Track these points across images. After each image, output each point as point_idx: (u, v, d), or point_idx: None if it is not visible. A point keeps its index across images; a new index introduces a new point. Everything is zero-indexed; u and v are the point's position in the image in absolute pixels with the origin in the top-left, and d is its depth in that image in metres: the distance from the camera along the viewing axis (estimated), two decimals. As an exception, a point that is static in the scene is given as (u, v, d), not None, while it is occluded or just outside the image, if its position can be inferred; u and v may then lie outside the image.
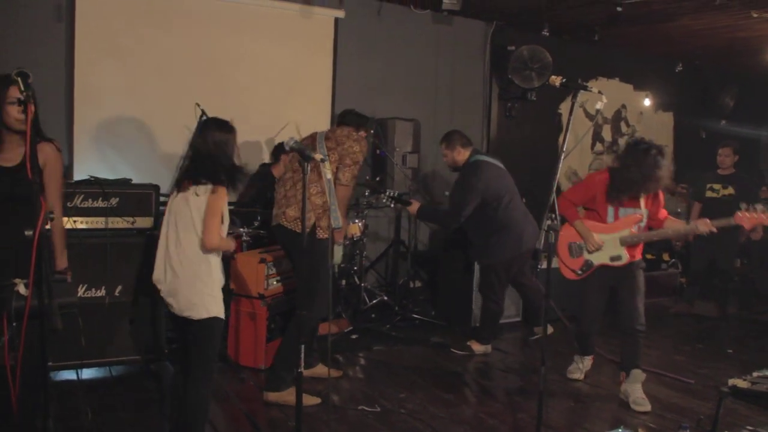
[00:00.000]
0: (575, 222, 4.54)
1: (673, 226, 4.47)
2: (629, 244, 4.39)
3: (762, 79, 10.17)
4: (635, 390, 4.36)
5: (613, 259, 4.42)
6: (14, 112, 2.90)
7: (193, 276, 3.19)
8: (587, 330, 4.71)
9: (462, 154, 5.33)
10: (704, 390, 4.66)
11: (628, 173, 4.26)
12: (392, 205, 5.63)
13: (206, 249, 3.18)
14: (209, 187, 3.16)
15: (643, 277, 4.50)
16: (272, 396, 4.11)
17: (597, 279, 4.54)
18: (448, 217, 5.35)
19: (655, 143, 4.33)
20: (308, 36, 6.64)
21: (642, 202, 4.39)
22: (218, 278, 3.30)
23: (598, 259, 4.47)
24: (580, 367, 4.88)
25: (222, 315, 3.27)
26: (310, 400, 4.06)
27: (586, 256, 4.52)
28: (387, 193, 5.40)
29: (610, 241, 4.42)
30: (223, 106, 6.01)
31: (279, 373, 4.13)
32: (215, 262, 3.28)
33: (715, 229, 4.28)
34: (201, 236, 3.16)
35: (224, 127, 3.34)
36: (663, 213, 4.51)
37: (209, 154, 3.24)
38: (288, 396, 4.02)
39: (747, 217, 4.24)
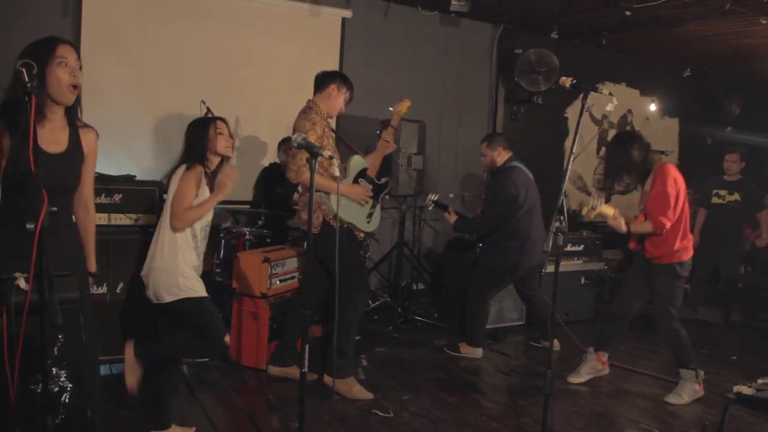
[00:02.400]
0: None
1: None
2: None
3: (768, 87, 10.15)
4: (681, 384, 4.56)
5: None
6: (66, 77, 2.57)
7: (165, 260, 3.47)
8: (613, 311, 4.83)
9: (502, 156, 5.37)
10: (708, 396, 4.62)
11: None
12: (430, 208, 5.70)
13: (173, 228, 3.46)
14: (183, 167, 3.54)
15: (672, 283, 4.50)
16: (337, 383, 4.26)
17: (637, 265, 4.71)
18: (490, 228, 5.31)
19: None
20: (315, 35, 6.62)
21: (646, 188, 4.57)
22: (189, 259, 3.53)
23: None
24: (581, 371, 4.89)
25: (196, 293, 3.49)
26: (364, 395, 4.27)
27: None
28: (430, 197, 5.41)
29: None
30: (228, 103, 6.02)
31: (341, 359, 4.28)
32: (182, 240, 3.51)
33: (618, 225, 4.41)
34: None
35: (200, 121, 3.83)
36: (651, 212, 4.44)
37: (187, 143, 3.72)
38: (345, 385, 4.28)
39: None
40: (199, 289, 3.51)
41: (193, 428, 3.62)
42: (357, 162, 4.50)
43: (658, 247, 4.47)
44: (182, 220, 3.46)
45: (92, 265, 3.02)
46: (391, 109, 4.67)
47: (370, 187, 4.44)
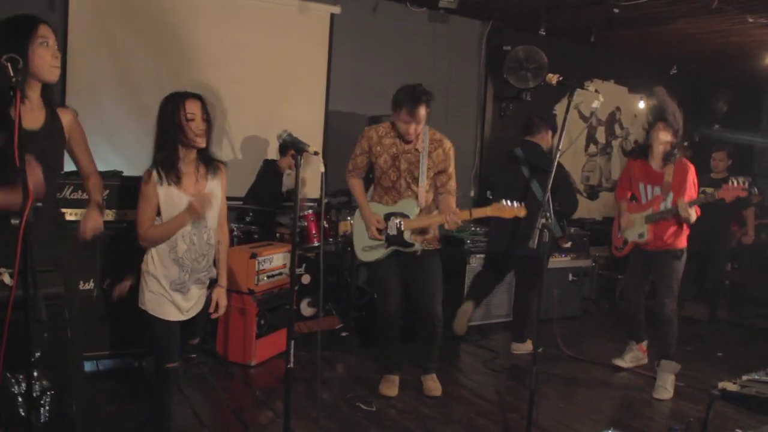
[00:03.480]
0: (620, 202, 5.04)
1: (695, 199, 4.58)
2: (652, 221, 4.72)
3: (755, 85, 10.21)
4: (662, 377, 4.66)
5: (639, 236, 4.81)
6: (47, 56, 2.61)
7: (144, 264, 3.27)
8: (628, 309, 5.16)
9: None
10: (693, 393, 4.66)
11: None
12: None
13: (139, 241, 3.20)
14: (146, 173, 3.18)
15: (678, 267, 4.73)
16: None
17: (635, 260, 4.96)
18: (571, 210, 5.51)
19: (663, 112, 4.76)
20: (304, 31, 6.61)
21: (667, 179, 4.66)
22: (167, 273, 3.20)
23: (631, 236, 4.89)
24: (626, 357, 5.22)
25: (150, 311, 3.20)
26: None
27: (624, 234, 4.96)
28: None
29: (638, 219, 4.83)
30: (216, 99, 6.01)
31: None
32: (158, 252, 3.21)
33: (690, 213, 4.47)
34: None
35: (170, 100, 3.24)
36: (688, 195, 4.59)
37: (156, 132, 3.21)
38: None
39: (729, 189, 4.37)
40: (157, 310, 3.19)
41: None
42: (407, 204, 4.19)
43: (676, 236, 4.71)
44: (146, 239, 3.17)
45: (98, 197, 3.07)
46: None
47: (384, 224, 4.17)
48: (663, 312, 4.67)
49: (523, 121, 5.66)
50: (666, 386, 4.58)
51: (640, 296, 5.02)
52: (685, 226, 4.69)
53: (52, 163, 2.79)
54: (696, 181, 4.69)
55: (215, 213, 3.30)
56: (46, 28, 2.62)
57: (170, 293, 3.20)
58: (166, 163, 3.10)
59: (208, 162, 3.25)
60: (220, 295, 3.35)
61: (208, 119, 3.15)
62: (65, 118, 2.86)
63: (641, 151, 4.87)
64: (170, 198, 3.14)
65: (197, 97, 3.17)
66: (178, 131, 3.06)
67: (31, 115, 2.67)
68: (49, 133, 2.74)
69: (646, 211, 4.78)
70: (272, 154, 6.28)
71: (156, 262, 3.20)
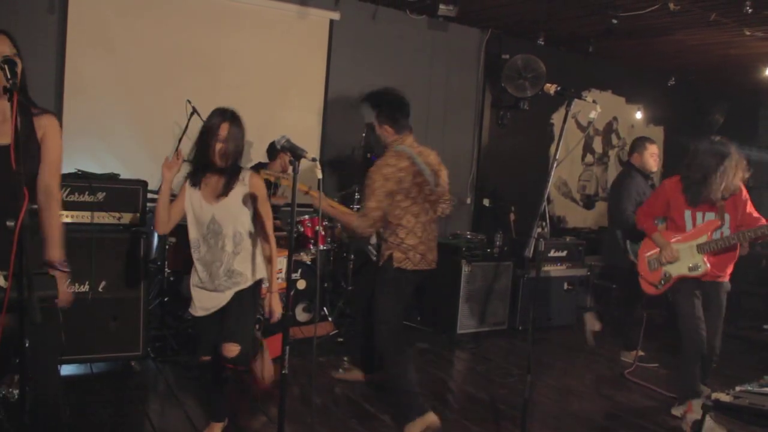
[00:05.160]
0: (653, 234, 4.46)
1: (761, 227, 4.13)
2: (707, 251, 4.24)
3: (752, 97, 10.24)
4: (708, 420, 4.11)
5: (691, 269, 4.29)
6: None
7: None
8: (704, 348, 4.27)
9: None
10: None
11: (688, 173, 4.23)
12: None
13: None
14: None
15: (723, 300, 4.38)
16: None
17: (686, 294, 4.32)
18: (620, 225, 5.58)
19: (725, 146, 4.22)
20: (303, 36, 6.62)
21: (722, 207, 4.21)
22: (196, 275, 3.43)
23: (677, 270, 4.36)
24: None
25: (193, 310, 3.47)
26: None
27: (665, 267, 4.42)
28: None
29: (686, 249, 4.32)
30: (214, 103, 5.91)
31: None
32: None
33: None
34: None
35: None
36: (757, 216, 4.26)
37: None
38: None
39: None
40: (192, 308, 3.47)
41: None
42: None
43: (731, 265, 4.38)
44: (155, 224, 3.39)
45: (55, 254, 2.69)
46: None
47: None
48: (715, 353, 4.36)
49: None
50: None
51: (703, 329, 4.28)
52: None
53: (31, 172, 2.66)
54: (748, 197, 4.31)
55: (234, 221, 3.36)
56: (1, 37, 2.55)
57: (197, 290, 3.43)
58: (192, 171, 3.39)
59: (231, 175, 3.35)
60: (271, 301, 3.45)
61: (233, 140, 3.32)
62: (41, 124, 2.69)
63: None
64: (192, 201, 3.35)
65: (227, 118, 3.34)
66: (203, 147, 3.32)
67: (3, 128, 2.56)
68: (25, 143, 2.62)
69: (695, 239, 4.27)
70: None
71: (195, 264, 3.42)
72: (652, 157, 5.64)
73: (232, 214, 3.34)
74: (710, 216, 4.26)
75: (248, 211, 3.39)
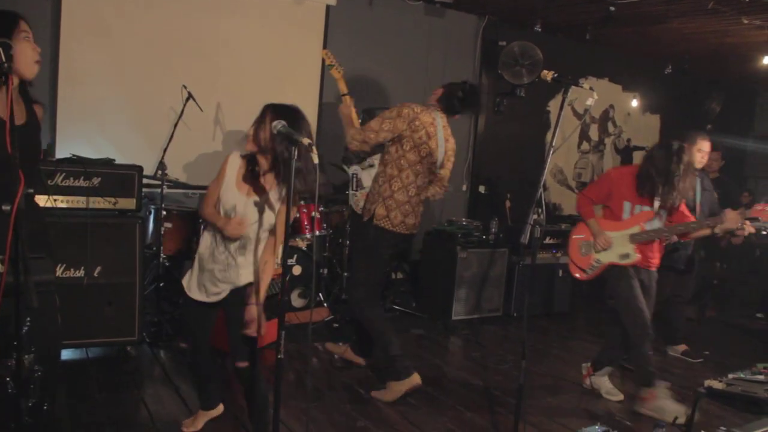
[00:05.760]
0: (589, 220, 4.49)
1: (691, 222, 4.31)
2: (639, 241, 4.31)
3: (749, 86, 10.25)
4: (605, 382, 4.63)
5: (621, 257, 4.35)
6: (29, 50, 2.54)
7: None
8: (649, 328, 4.28)
9: None
10: (680, 390, 4.69)
11: (652, 174, 4.19)
12: None
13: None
14: None
15: (655, 290, 4.49)
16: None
17: (623, 276, 4.35)
18: None
19: (685, 152, 4.21)
20: (299, 22, 6.59)
21: (658, 201, 4.25)
22: (200, 254, 3.24)
23: (607, 257, 4.41)
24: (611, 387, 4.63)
25: (189, 295, 3.25)
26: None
27: (595, 254, 4.47)
28: None
29: (619, 238, 4.36)
30: (210, 89, 5.99)
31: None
32: (205, 235, 3.24)
33: (740, 224, 4.10)
34: None
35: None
36: (687, 214, 4.38)
37: None
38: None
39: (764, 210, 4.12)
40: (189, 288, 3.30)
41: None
42: None
43: (660, 253, 4.48)
44: (202, 215, 3.29)
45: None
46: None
47: None
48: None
49: None
50: (613, 387, 4.62)
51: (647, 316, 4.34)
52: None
53: (33, 155, 2.75)
54: None
55: (254, 227, 3.14)
56: (26, 24, 2.59)
57: (201, 275, 3.23)
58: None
59: (278, 172, 3.08)
60: (251, 311, 3.14)
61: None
62: (39, 112, 2.80)
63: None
64: (229, 187, 3.11)
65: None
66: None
67: (15, 110, 2.54)
68: (32, 127, 2.71)
69: (629, 228, 4.33)
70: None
71: (202, 245, 3.24)
72: (699, 153, 5.10)
73: (270, 211, 3.14)
74: (646, 208, 4.30)
75: (274, 215, 3.17)
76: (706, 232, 4.26)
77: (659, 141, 4.50)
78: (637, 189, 4.27)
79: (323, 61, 6.79)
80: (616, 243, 4.36)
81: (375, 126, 4.17)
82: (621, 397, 4.49)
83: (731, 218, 4.11)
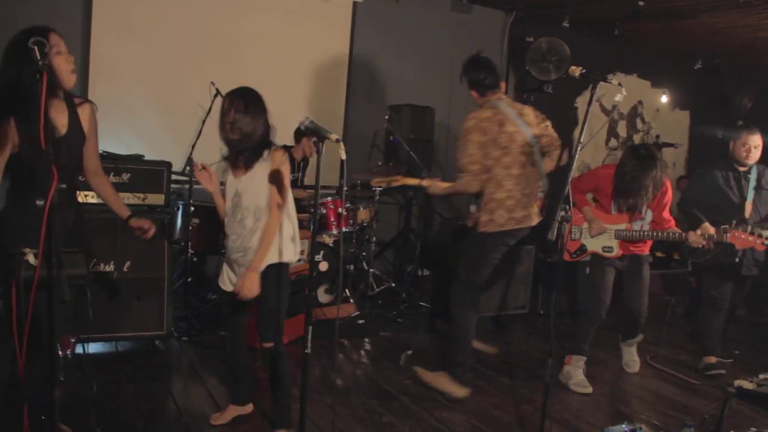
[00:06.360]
0: (584, 208, 4.70)
1: (670, 231, 4.55)
2: (622, 238, 4.55)
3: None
4: (628, 353, 4.97)
5: (605, 249, 4.61)
6: (63, 63, 2.68)
7: None
8: (602, 319, 4.66)
9: None
10: (709, 390, 4.64)
11: (622, 179, 4.39)
12: None
13: None
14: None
15: (648, 271, 4.70)
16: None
17: (601, 268, 4.65)
18: None
19: (650, 151, 4.42)
20: (326, 19, 6.61)
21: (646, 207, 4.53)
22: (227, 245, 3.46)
23: (593, 246, 4.65)
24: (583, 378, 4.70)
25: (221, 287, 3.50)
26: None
27: (584, 240, 4.68)
28: None
29: (607, 231, 4.61)
30: (237, 85, 6.00)
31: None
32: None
33: (704, 243, 4.43)
34: None
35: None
36: (668, 218, 4.63)
37: None
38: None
39: (739, 238, 4.37)
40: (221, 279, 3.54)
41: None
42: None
43: (646, 245, 4.70)
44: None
45: (124, 212, 3.18)
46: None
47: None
48: (642, 314, 4.70)
49: None
50: (636, 359, 4.95)
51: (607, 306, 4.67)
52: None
53: (76, 159, 2.90)
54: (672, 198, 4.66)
55: (251, 195, 3.31)
56: (56, 36, 2.67)
57: (228, 266, 3.46)
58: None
59: (253, 151, 3.34)
60: (245, 277, 3.23)
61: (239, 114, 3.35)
62: (84, 114, 2.88)
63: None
64: (227, 175, 3.43)
65: (228, 96, 3.47)
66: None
67: (55, 121, 2.73)
68: (72, 139, 2.80)
69: (616, 224, 4.57)
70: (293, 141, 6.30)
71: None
72: (743, 147, 4.87)
73: (254, 189, 3.30)
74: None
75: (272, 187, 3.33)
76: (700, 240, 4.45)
77: (629, 148, 4.64)
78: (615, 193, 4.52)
79: (350, 57, 6.84)
80: (603, 235, 4.62)
81: (465, 159, 4.02)
82: (590, 389, 4.50)
83: (693, 239, 4.43)
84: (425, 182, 4.33)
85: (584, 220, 4.69)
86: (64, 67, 2.70)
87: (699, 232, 4.45)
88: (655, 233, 4.53)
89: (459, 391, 4.14)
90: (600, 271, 4.64)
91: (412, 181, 4.48)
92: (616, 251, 4.59)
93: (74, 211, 2.90)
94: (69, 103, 2.82)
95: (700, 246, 4.45)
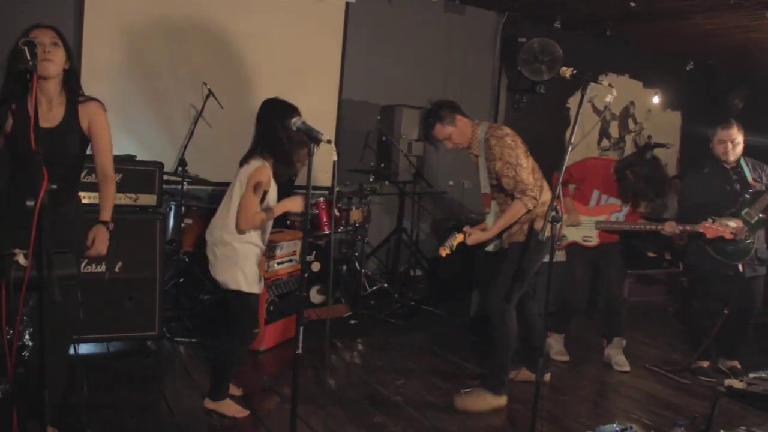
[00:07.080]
0: (565, 198, 4.86)
1: (647, 222, 4.83)
2: (602, 229, 4.79)
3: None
4: (617, 354, 5.01)
5: (585, 239, 4.85)
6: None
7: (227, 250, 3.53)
8: (576, 305, 5.10)
9: None
10: (700, 389, 4.66)
11: (640, 183, 4.61)
12: None
13: (239, 228, 3.47)
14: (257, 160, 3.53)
15: (620, 256, 5.00)
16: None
17: (580, 258, 4.92)
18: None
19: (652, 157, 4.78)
20: (319, 19, 6.61)
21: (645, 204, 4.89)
22: (248, 253, 3.56)
23: (573, 235, 4.86)
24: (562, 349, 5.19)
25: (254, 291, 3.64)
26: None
27: (563, 230, 4.76)
28: None
29: (587, 222, 4.82)
30: (230, 85, 6.02)
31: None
32: (246, 238, 3.53)
33: (678, 231, 4.62)
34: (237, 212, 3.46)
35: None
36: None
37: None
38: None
39: (710, 228, 4.52)
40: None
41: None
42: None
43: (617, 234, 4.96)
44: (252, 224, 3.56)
45: (105, 216, 3.07)
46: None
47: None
48: (612, 297, 4.99)
49: None
50: (624, 359, 4.99)
51: (585, 294, 5.10)
52: None
53: (68, 158, 2.91)
54: None
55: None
56: (39, 30, 2.77)
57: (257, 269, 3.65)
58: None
59: None
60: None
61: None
62: (87, 111, 2.93)
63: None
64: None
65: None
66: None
67: (48, 113, 2.77)
68: (63, 130, 2.80)
69: (596, 216, 4.81)
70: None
71: (242, 247, 3.55)
72: (720, 144, 4.81)
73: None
74: (614, 201, 4.80)
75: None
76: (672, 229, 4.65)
77: (636, 152, 4.93)
78: (619, 193, 4.73)
79: (343, 57, 6.83)
80: (583, 225, 4.83)
81: (525, 174, 3.99)
82: (566, 357, 5.03)
83: (669, 229, 4.62)
84: (470, 240, 4.17)
85: (566, 210, 4.80)
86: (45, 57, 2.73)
87: (671, 223, 4.67)
88: (634, 224, 4.75)
89: (501, 401, 4.09)
90: (581, 264, 4.93)
91: (458, 238, 4.22)
92: (595, 241, 4.81)
93: (70, 211, 2.90)
94: (69, 98, 2.82)
95: (675, 234, 4.68)
